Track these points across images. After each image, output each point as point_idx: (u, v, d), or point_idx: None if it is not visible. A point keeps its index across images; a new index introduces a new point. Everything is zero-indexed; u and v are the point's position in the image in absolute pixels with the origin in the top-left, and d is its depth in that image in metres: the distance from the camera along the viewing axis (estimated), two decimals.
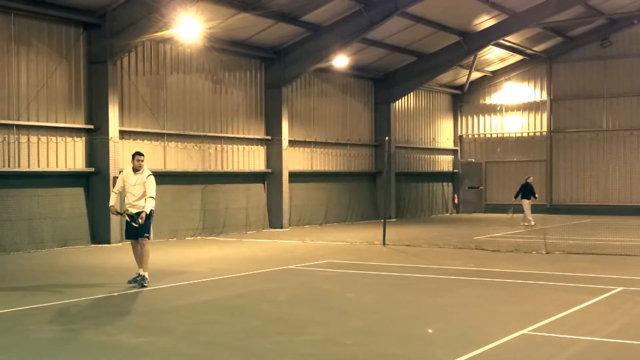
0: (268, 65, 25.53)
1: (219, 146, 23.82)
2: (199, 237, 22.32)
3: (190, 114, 22.88)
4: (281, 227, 25.45)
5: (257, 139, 25.40)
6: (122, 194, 13.29)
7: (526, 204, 26.68)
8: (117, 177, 13.53)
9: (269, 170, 25.66)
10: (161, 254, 17.81)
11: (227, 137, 24.14)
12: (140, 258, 12.72)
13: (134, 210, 12.65)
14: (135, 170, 12.79)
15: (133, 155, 12.96)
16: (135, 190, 12.70)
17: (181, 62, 22.55)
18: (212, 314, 10.03)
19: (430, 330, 8.92)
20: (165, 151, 22.04)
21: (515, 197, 27.30)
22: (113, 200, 13.18)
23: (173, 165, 22.26)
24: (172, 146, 22.25)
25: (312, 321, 9.60)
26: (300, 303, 11.02)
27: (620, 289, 11.89)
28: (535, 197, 27.05)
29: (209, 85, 23.54)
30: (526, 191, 26.82)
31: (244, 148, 24.85)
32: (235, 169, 24.50)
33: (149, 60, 21.48)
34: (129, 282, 12.68)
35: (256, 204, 25.15)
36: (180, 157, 22.53)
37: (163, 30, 19.43)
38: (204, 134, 23.23)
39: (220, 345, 8.30)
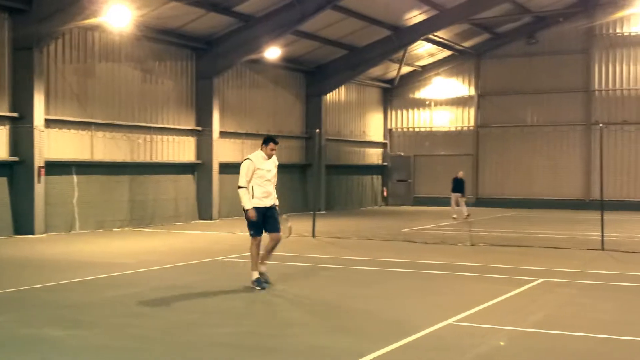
0: (199, 56, 25.30)
1: (148, 136, 23.51)
2: (126, 229, 22.01)
3: (119, 103, 22.51)
4: (211, 219, 25.31)
5: (188, 130, 25.17)
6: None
7: (454, 197, 27.19)
8: (245, 166, 11.11)
9: (199, 162, 25.47)
10: (88, 245, 17.54)
11: (157, 127, 23.85)
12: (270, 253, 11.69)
13: (269, 203, 11.31)
14: (269, 157, 11.31)
15: (267, 141, 11.18)
16: (271, 177, 11.25)
17: (110, 50, 22.14)
18: (141, 307, 9.92)
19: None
20: (93, 141, 21.64)
21: (452, 191, 27.47)
22: (249, 201, 11.06)
23: (101, 155, 21.87)
24: (100, 136, 21.85)
25: (243, 313, 9.61)
26: (230, 295, 11.00)
27: (541, 280, 12.26)
28: (463, 195, 27.37)
29: (138, 75, 23.19)
30: (457, 185, 27.24)
31: (173, 139, 24.59)
32: (165, 159, 24.23)
33: (76, 48, 21.03)
34: (259, 286, 11.25)
35: (186, 195, 24.94)
36: (108, 147, 22.15)
37: (91, 17, 19.07)
38: (133, 123, 22.90)
39: (150, 338, 8.22)
